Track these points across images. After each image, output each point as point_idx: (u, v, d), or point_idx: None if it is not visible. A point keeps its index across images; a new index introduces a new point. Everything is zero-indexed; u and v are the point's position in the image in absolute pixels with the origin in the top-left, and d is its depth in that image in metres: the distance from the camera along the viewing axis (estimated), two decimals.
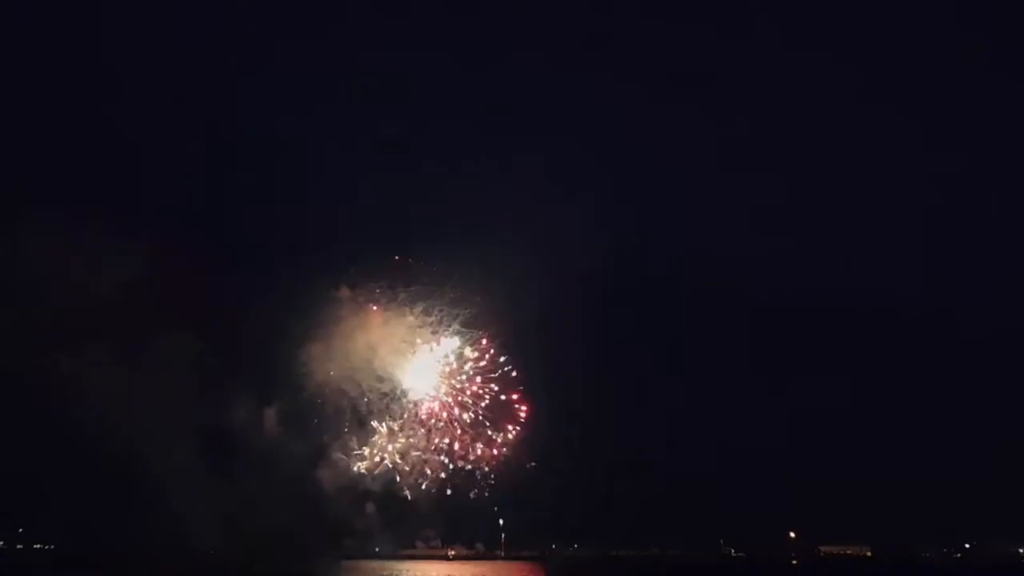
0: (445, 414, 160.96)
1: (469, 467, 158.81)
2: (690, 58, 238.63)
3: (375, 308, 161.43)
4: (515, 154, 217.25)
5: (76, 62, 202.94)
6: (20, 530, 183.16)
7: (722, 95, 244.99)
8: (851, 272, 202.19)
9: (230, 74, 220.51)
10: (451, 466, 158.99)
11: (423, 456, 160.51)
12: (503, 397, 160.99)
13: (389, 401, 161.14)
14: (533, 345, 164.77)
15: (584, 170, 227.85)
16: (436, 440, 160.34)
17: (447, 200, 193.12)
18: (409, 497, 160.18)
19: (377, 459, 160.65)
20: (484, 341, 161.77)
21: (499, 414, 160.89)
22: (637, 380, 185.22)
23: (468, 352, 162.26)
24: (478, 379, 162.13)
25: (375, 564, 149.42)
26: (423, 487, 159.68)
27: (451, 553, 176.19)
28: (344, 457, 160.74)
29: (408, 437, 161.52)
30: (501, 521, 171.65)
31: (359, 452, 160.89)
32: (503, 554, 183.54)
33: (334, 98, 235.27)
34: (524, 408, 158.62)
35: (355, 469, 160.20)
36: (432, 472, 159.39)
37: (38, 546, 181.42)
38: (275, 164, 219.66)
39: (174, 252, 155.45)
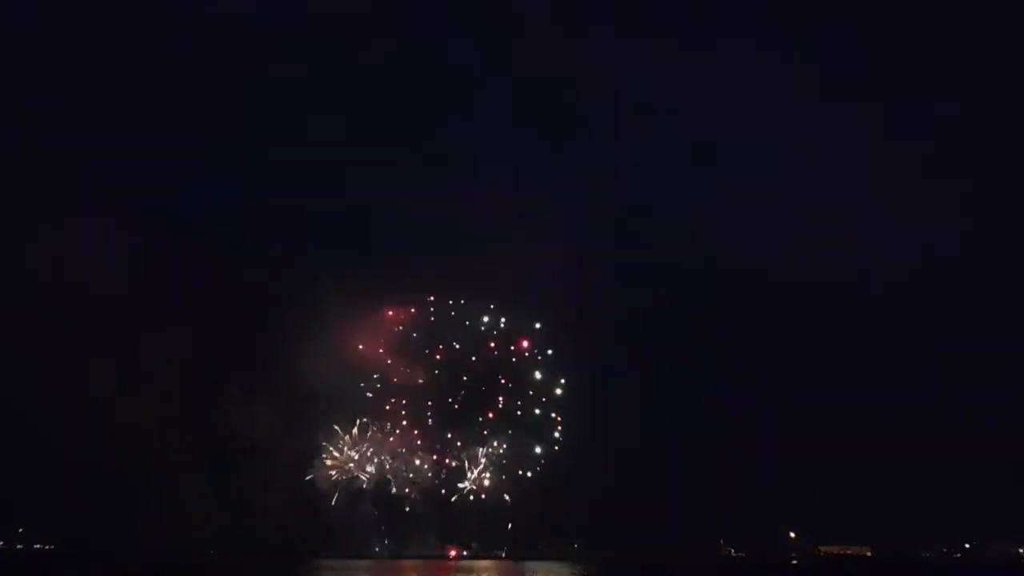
0: (440, 415, 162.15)
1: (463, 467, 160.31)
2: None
3: (371, 307, 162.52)
4: (516, 153, 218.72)
5: (77, 62, 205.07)
6: (20, 530, 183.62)
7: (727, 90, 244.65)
8: (852, 270, 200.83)
9: (231, 75, 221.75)
10: (444, 470, 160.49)
11: (418, 455, 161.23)
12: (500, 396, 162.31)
13: (384, 400, 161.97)
14: (533, 345, 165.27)
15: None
16: (431, 440, 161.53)
17: (445, 200, 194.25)
18: (404, 497, 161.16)
19: (372, 459, 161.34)
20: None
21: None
22: (638, 381, 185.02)
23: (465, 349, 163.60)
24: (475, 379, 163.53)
25: (366, 564, 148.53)
26: (418, 487, 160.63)
27: (451, 553, 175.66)
28: (339, 456, 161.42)
29: (403, 437, 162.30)
30: (509, 521, 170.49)
31: (354, 451, 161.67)
32: (504, 555, 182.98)
33: (334, 99, 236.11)
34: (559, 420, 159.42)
35: (350, 469, 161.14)
36: (427, 472, 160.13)
37: (38, 546, 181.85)
38: (275, 165, 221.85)
39: (172, 252, 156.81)
